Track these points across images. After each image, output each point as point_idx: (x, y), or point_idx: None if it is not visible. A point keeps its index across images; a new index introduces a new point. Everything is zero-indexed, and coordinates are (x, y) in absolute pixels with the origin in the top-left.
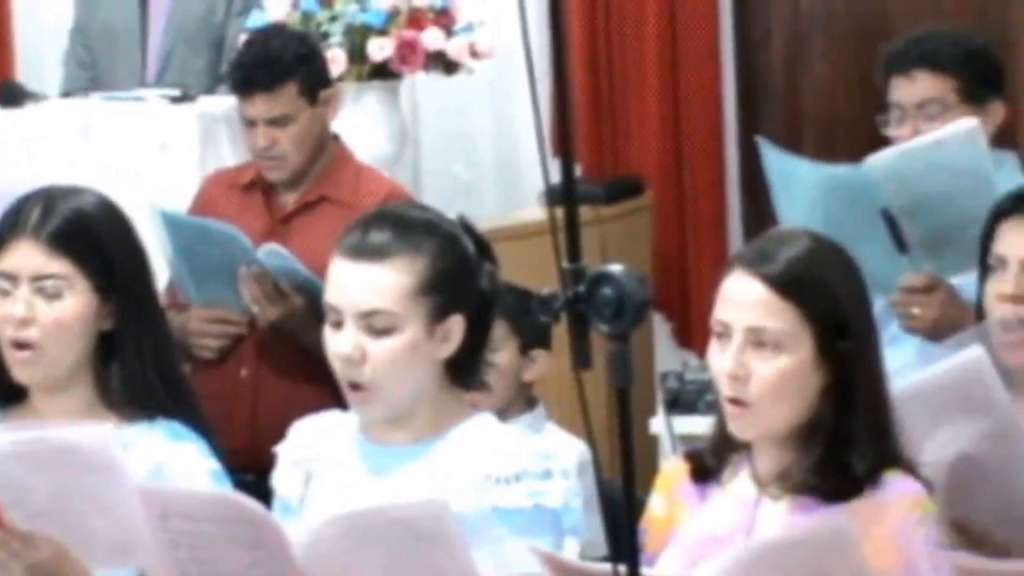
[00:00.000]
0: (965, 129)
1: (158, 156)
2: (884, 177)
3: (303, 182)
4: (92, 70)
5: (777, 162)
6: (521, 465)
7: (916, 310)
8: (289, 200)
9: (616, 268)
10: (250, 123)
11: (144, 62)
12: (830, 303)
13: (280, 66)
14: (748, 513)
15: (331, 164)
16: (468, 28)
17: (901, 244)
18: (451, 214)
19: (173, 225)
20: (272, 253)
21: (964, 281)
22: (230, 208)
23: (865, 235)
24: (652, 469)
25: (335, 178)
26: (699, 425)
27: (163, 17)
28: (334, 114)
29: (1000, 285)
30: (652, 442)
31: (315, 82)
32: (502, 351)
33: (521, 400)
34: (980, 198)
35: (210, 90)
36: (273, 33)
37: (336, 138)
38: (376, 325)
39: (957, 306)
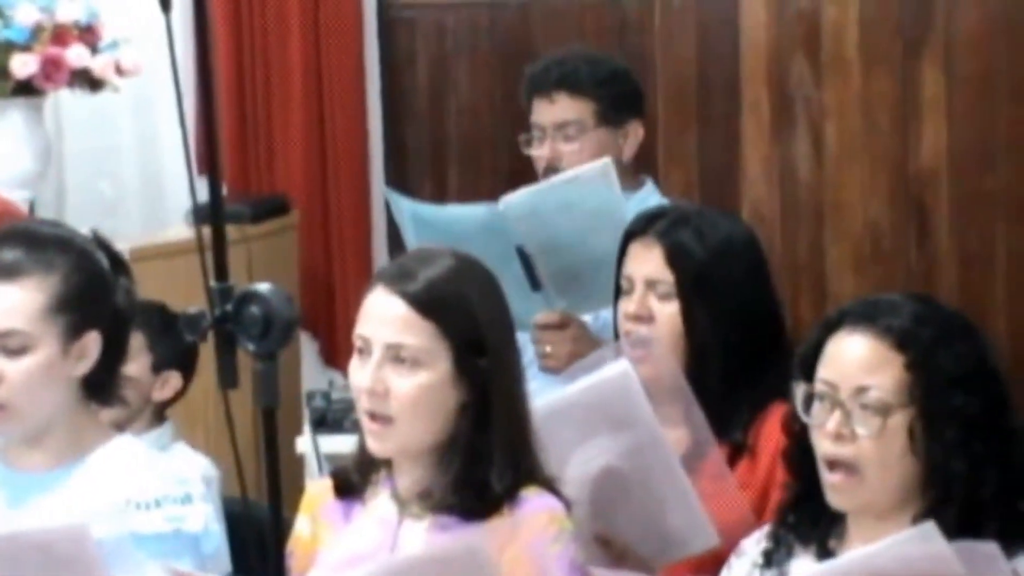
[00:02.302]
0: (598, 168)
1: None
2: (518, 215)
3: None
4: None
5: (408, 209)
6: (161, 490)
7: (548, 348)
8: None
9: (263, 287)
10: None
11: None
12: (469, 322)
13: None
14: (391, 533)
15: None
16: (113, 45)
17: (535, 282)
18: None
19: None
20: None
21: (608, 314)
22: None
23: (500, 273)
24: (299, 489)
25: None
26: (346, 444)
27: None
28: None
29: (626, 304)
30: (299, 461)
31: None
32: (134, 363)
33: (149, 415)
34: (613, 237)
35: None
36: None
37: None
38: (10, 346)
39: (589, 341)
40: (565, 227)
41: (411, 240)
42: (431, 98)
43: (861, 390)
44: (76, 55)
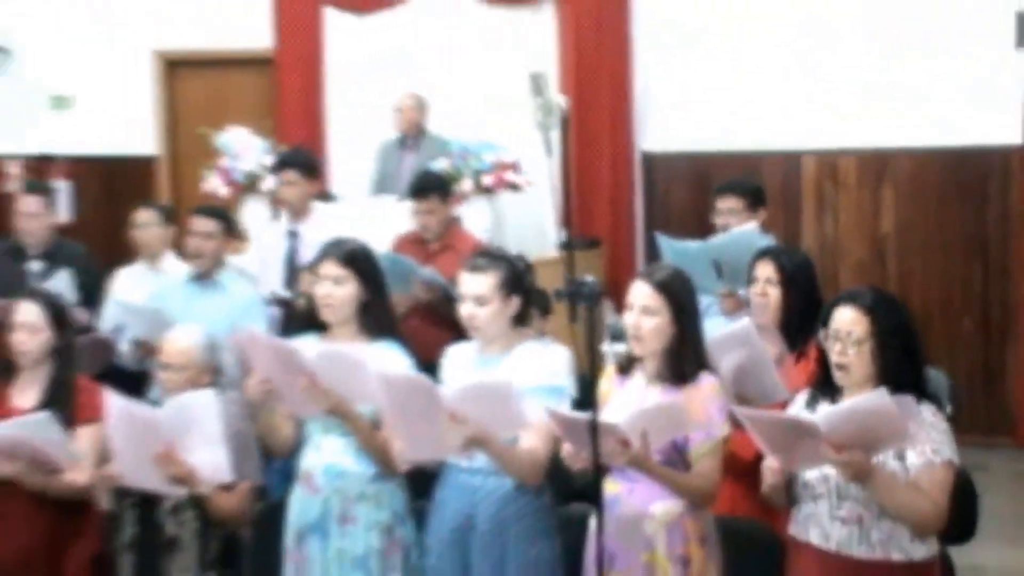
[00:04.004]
0: (750, 228)
1: None
2: (719, 244)
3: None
4: None
5: (664, 243)
6: (546, 369)
7: (726, 304)
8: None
9: (589, 278)
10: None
11: None
12: (680, 293)
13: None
14: (642, 392)
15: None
16: (518, 169)
17: (720, 274)
18: None
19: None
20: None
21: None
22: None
23: (706, 271)
24: (601, 368)
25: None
26: (620, 349)
27: None
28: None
29: (752, 290)
30: (602, 356)
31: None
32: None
33: (535, 334)
34: (749, 256)
35: None
36: None
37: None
38: (483, 302)
39: (739, 302)
40: (732, 253)
41: (666, 257)
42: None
43: (849, 333)
44: (509, 175)
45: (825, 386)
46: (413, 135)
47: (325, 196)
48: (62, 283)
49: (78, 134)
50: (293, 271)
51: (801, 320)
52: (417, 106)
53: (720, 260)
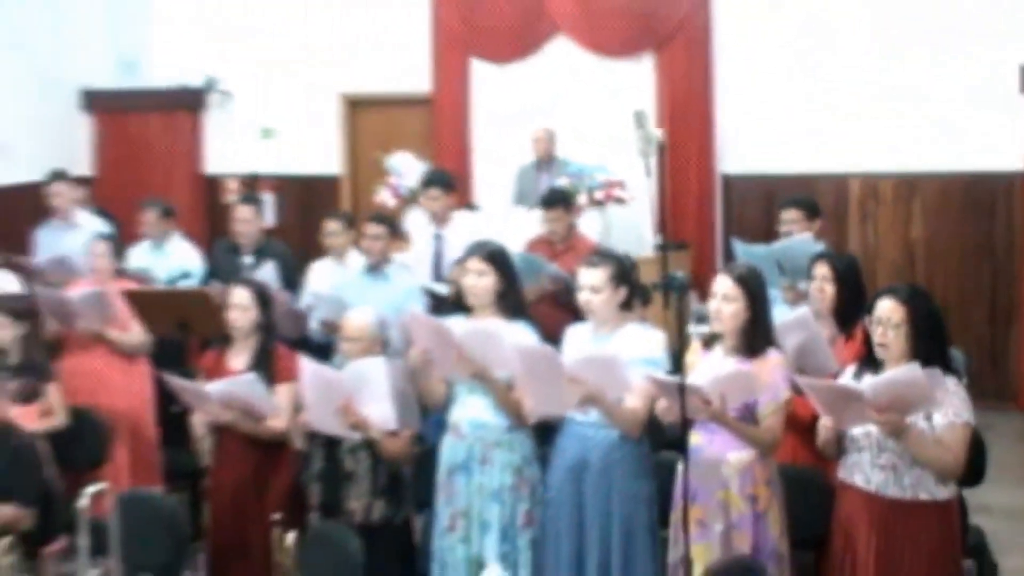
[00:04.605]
0: (807, 236)
1: None
2: (777, 249)
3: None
4: None
5: (739, 246)
6: (645, 345)
7: (788, 295)
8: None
9: (679, 273)
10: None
11: None
12: (753, 285)
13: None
14: (721, 362)
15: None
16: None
17: (782, 271)
18: None
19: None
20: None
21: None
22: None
23: (771, 269)
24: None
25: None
26: (703, 329)
27: None
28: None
29: (811, 286)
30: (688, 335)
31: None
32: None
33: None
34: (808, 259)
35: None
36: None
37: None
38: (598, 289)
39: (800, 293)
40: (791, 255)
41: (739, 258)
42: None
43: (889, 319)
44: (616, 192)
45: (869, 361)
46: (546, 160)
47: (470, 206)
48: (268, 273)
49: (281, 158)
50: (438, 264)
51: (849, 309)
52: (548, 137)
53: (782, 261)
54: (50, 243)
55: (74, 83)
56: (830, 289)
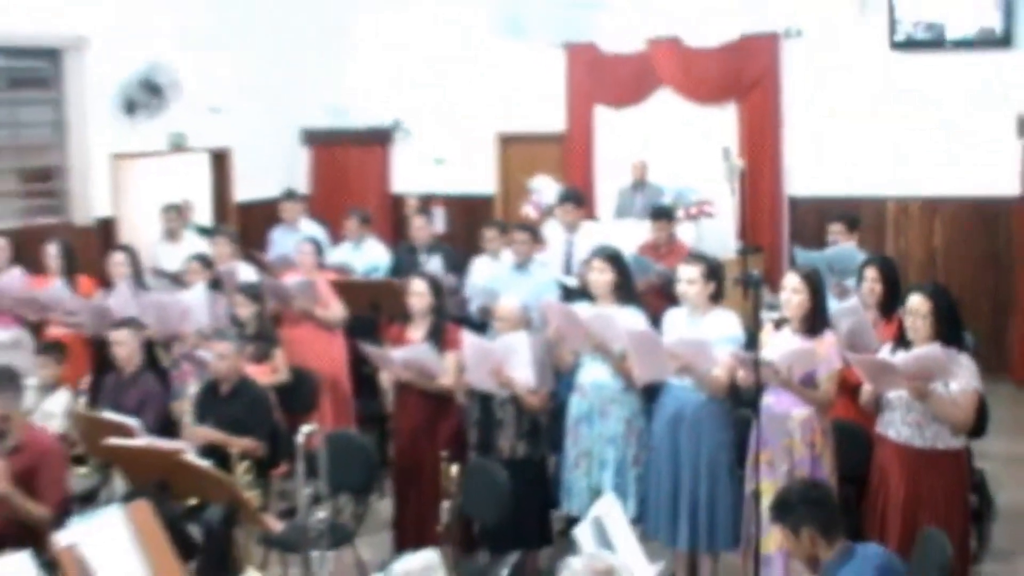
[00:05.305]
0: (852, 245)
1: None
2: (831, 255)
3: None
4: None
5: (801, 253)
6: (729, 327)
7: (836, 291)
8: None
9: (755, 272)
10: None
11: None
12: (815, 281)
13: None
14: (788, 340)
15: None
16: (707, 201)
17: (831, 272)
18: None
19: None
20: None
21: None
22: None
23: (823, 269)
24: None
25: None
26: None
27: None
28: None
29: (863, 284)
30: (761, 320)
31: None
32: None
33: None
34: (856, 262)
35: None
36: None
37: None
38: (691, 285)
39: (846, 290)
40: (838, 260)
41: (799, 260)
42: None
43: (917, 310)
44: (706, 208)
45: (902, 341)
46: (640, 183)
47: (593, 218)
48: (435, 265)
49: (449, 181)
50: (569, 263)
51: (889, 301)
52: (643, 165)
53: (831, 263)
54: (281, 243)
55: (297, 124)
56: (878, 288)
